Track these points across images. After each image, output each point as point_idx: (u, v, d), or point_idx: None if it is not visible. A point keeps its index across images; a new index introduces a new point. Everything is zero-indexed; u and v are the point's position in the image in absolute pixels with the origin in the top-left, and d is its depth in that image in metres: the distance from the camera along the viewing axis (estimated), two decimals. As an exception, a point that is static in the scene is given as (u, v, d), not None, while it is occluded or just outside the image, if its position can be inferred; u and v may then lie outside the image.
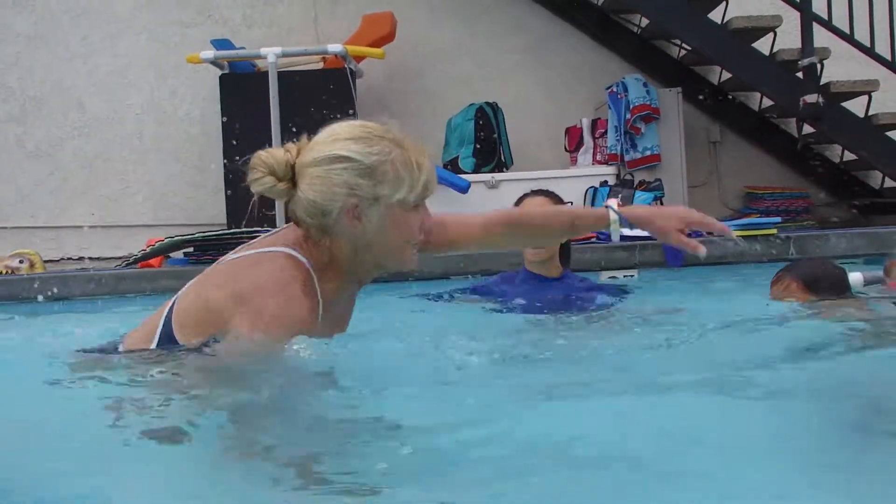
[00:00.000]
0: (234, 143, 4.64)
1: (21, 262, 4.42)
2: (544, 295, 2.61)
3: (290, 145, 1.57)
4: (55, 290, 3.78)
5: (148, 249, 4.21)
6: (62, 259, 5.12)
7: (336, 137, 1.55)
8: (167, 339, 1.57)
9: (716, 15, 4.72)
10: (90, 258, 5.15)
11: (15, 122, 5.21)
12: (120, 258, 4.88)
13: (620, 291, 2.85)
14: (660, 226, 1.78)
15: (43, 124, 5.21)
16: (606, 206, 1.79)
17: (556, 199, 2.70)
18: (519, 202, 2.73)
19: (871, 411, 1.34)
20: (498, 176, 4.66)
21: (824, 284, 2.35)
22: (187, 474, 1.12)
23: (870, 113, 4.60)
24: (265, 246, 1.59)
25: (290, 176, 1.54)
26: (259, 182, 1.54)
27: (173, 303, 1.62)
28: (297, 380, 1.49)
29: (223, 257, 1.66)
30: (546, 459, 1.13)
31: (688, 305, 2.64)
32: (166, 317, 1.60)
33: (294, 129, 4.51)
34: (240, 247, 1.64)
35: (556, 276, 2.69)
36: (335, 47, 4.50)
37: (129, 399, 1.42)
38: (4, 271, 4.27)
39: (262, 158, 1.55)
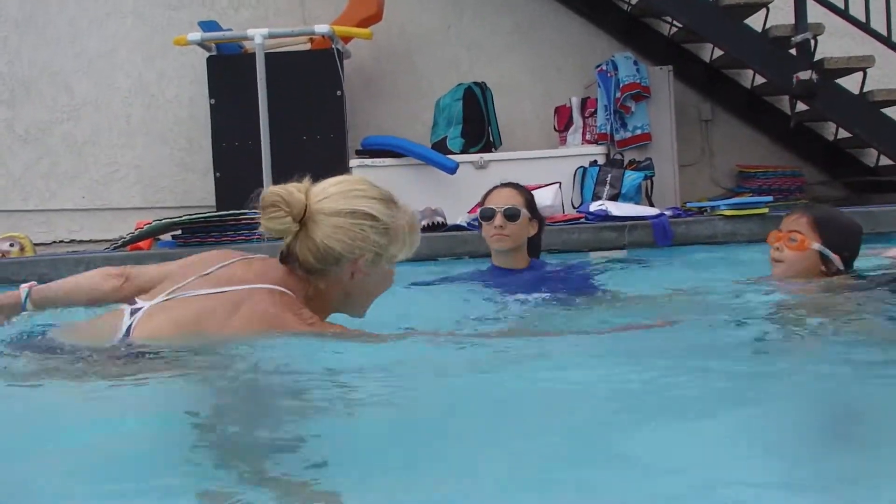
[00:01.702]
0: (223, 125, 4.63)
1: (12, 245, 4.43)
2: (511, 288, 2.59)
3: (297, 185, 1.61)
4: (45, 274, 3.81)
5: (137, 232, 4.22)
6: (54, 242, 5.14)
7: (358, 194, 1.62)
8: None
9: (707, -9, 4.66)
10: (81, 241, 5.17)
11: (5, 105, 5.21)
12: (110, 241, 4.89)
13: (590, 276, 2.81)
14: None
15: (32, 108, 5.20)
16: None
17: (524, 192, 2.69)
18: (487, 195, 2.73)
19: (839, 407, 1.33)
20: (486, 156, 4.64)
21: (832, 230, 2.28)
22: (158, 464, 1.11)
23: (865, 90, 4.55)
24: (250, 282, 1.59)
25: (300, 219, 1.59)
26: (278, 220, 1.57)
27: (132, 322, 1.58)
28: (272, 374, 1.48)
29: (197, 287, 1.60)
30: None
31: (662, 286, 2.60)
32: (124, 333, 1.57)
33: (282, 111, 4.47)
34: (214, 273, 1.61)
35: (524, 268, 2.67)
36: (322, 28, 4.47)
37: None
38: (-5, 255, 4.28)
39: (281, 196, 1.57)
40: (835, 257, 2.28)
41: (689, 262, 3.52)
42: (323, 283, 1.62)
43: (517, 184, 2.75)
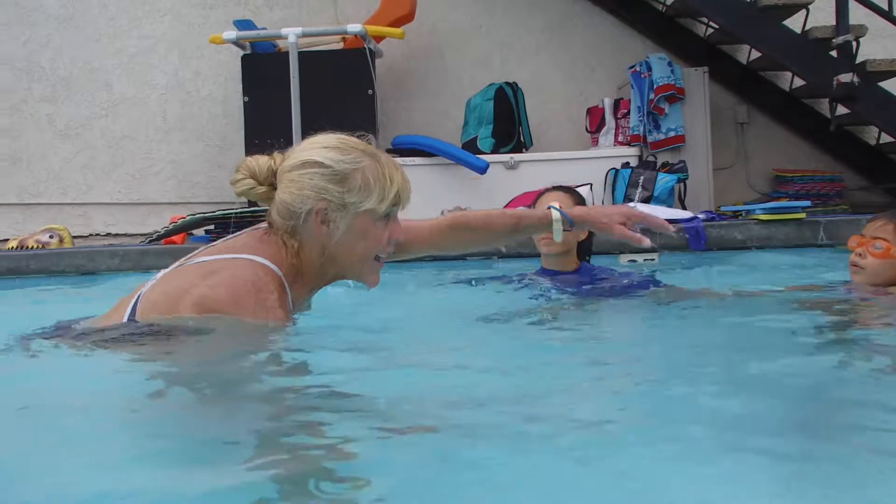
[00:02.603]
0: (256, 122, 4.69)
1: (51, 237, 4.54)
2: (561, 287, 2.58)
3: (277, 154, 1.64)
4: (82, 265, 3.90)
5: (171, 226, 4.30)
6: (91, 235, 5.25)
7: (313, 145, 1.62)
8: None
9: (745, -8, 4.58)
10: (116, 234, 5.27)
11: (47, 101, 5.33)
12: (144, 235, 4.98)
13: (646, 283, 2.77)
14: (602, 222, 1.88)
15: (72, 104, 5.32)
16: (549, 207, 1.91)
17: (575, 195, 2.67)
18: (537, 199, 2.72)
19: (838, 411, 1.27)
20: (517, 157, 4.61)
21: None
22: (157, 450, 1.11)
23: (908, 93, 4.42)
24: (236, 252, 1.60)
25: (272, 181, 1.61)
26: (240, 183, 1.62)
27: (136, 299, 1.61)
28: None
29: (190, 256, 1.64)
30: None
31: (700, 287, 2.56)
32: (131, 310, 1.60)
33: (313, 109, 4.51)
34: (204, 248, 1.65)
35: (573, 271, 2.65)
36: (355, 27, 4.50)
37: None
38: (35, 246, 4.39)
39: (246, 163, 1.63)
40: None
41: (739, 264, 3.44)
42: (296, 242, 1.60)
43: (569, 187, 2.74)
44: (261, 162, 1.61)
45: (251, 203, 4.41)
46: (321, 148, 1.59)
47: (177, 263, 1.65)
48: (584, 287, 2.52)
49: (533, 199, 4.15)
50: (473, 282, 2.75)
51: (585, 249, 2.70)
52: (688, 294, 2.49)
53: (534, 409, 1.22)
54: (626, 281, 2.65)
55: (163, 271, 1.67)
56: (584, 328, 2.04)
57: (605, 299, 2.41)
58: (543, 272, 2.67)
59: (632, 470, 0.99)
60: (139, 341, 1.51)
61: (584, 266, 2.69)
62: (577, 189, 4.16)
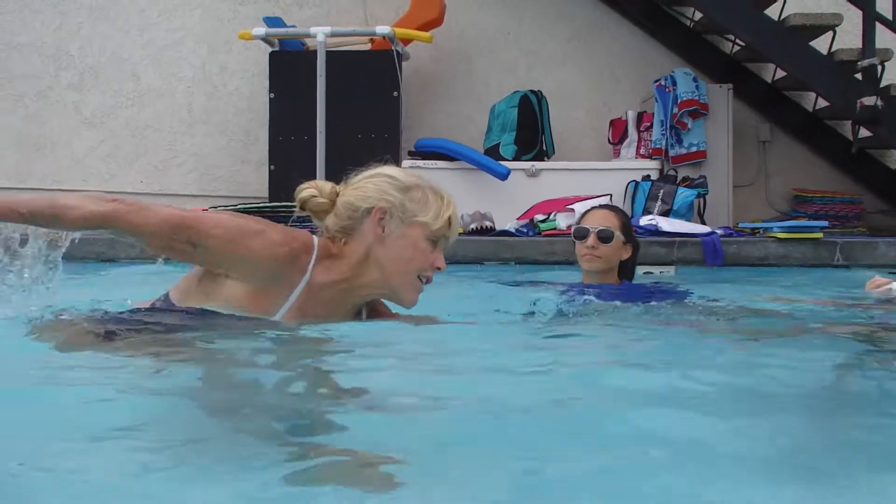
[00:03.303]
0: (281, 119, 4.72)
1: (71, 224, 4.58)
2: (604, 296, 2.58)
3: (343, 183, 1.77)
4: (102, 252, 3.94)
5: (191, 219, 4.33)
6: (110, 224, 5.28)
7: (380, 169, 1.75)
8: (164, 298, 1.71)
9: (773, 11, 4.59)
10: (136, 225, 5.31)
11: (74, 89, 5.39)
12: (164, 226, 5.01)
13: (686, 293, 2.77)
14: None
15: (99, 93, 5.37)
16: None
17: (621, 216, 2.69)
18: (583, 215, 2.76)
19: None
20: (538, 164, 4.64)
21: None
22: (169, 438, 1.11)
23: (931, 119, 4.43)
24: None
25: (333, 199, 1.72)
26: (305, 191, 1.74)
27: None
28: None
29: None
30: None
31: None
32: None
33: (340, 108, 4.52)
34: None
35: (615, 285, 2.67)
36: (383, 29, 4.53)
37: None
38: (55, 232, 4.43)
39: (314, 181, 1.77)
40: None
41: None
42: (346, 237, 1.69)
43: (616, 206, 2.80)
44: (327, 184, 1.75)
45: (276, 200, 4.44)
46: (386, 168, 1.74)
47: None
48: (626, 298, 2.51)
49: (552, 207, 4.20)
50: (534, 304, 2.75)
51: (628, 270, 2.70)
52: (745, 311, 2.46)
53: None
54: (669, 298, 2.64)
55: None
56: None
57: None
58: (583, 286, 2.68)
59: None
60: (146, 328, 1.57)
61: (625, 284, 2.69)
62: (596, 199, 4.24)
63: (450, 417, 1.19)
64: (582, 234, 2.62)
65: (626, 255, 2.65)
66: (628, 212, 4.47)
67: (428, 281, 1.72)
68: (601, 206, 2.77)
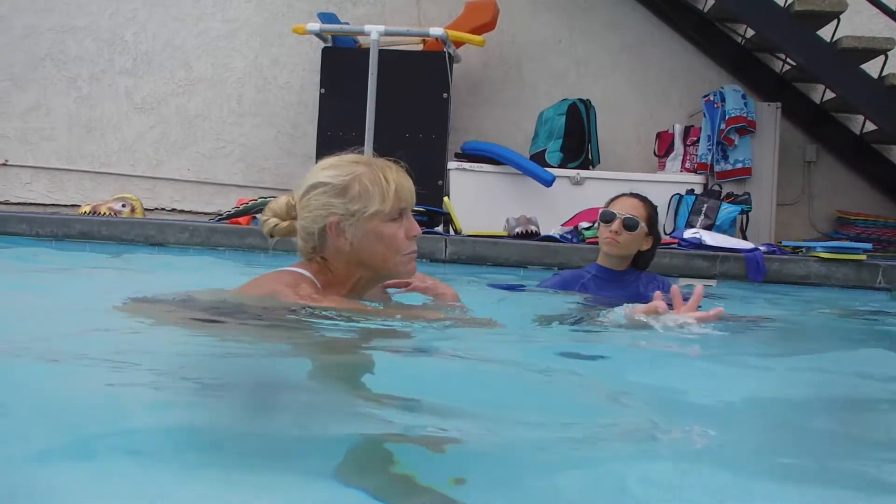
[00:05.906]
0: (330, 114, 4.78)
1: (123, 205, 4.66)
2: (612, 290, 2.66)
3: (295, 190, 1.78)
4: (152, 236, 4.01)
5: (240, 207, 4.39)
6: (156, 209, 5.37)
7: (313, 169, 1.77)
8: None
9: (825, 33, 4.60)
10: (182, 210, 5.39)
11: (126, 74, 5.48)
12: (208, 214, 5.09)
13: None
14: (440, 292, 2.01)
15: (151, 79, 5.46)
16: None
17: (648, 206, 2.73)
18: (612, 199, 2.77)
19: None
20: (583, 173, 4.66)
21: None
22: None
23: (980, 147, 4.42)
24: (281, 268, 1.78)
25: (293, 215, 1.76)
26: (265, 224, 1.78)
27: None
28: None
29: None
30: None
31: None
32: None
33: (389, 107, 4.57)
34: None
35: (623, 270, 2.73)
36: (437, 31, 4.57)
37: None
38: (107, 213, 4.51)
39: (269, 206, 1.80)
40: None
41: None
42: (326, 257, 1.73)
43: (645, 197, 2.79)
44: (280, 201, 1.77)
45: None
46: (320, 170, 1.73)
47: None
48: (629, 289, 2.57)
49: (596, 215, 4.21)
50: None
51: (646, 261, 2.76)
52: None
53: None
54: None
55: None
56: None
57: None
58: (597, 268, 2.75)
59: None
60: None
61: (633, 270, 2.75)
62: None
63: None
64: (608, 218, 2.68)
65: (647, 246, 2.70)
66: (671, 224, 4.50)
67: (414, 251, 1.75)
68: (632, 195, 2.78)
